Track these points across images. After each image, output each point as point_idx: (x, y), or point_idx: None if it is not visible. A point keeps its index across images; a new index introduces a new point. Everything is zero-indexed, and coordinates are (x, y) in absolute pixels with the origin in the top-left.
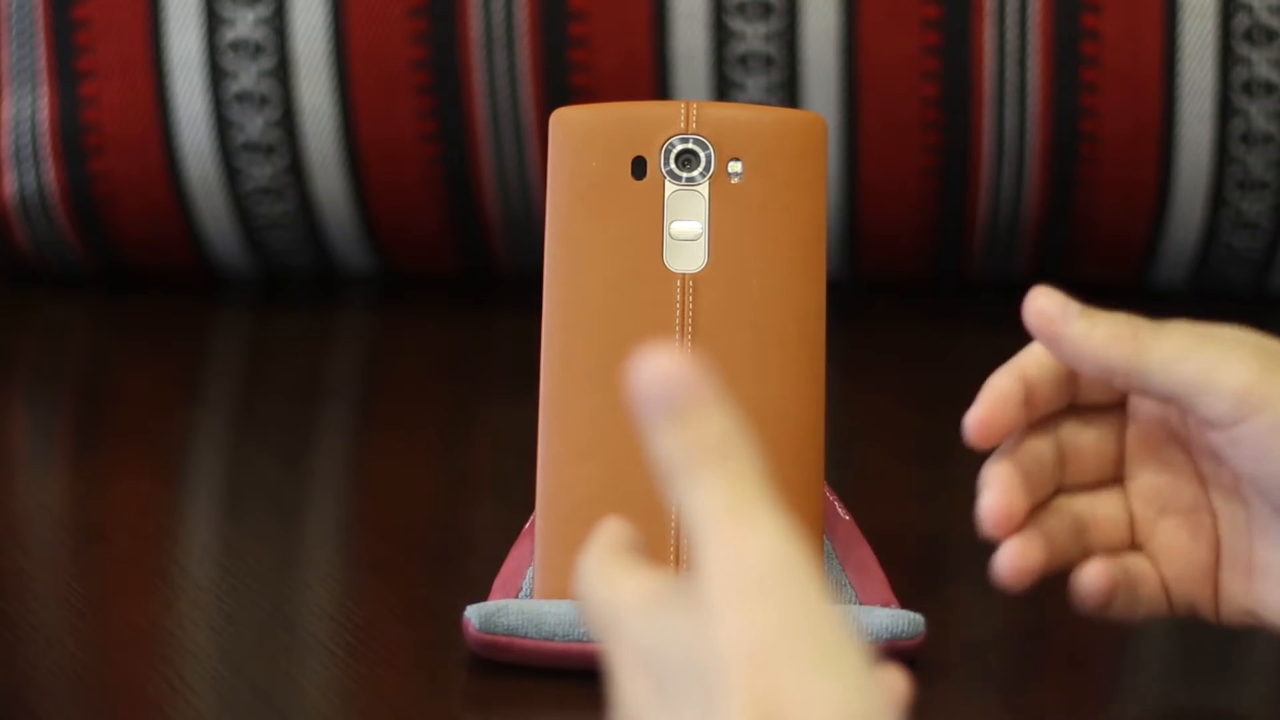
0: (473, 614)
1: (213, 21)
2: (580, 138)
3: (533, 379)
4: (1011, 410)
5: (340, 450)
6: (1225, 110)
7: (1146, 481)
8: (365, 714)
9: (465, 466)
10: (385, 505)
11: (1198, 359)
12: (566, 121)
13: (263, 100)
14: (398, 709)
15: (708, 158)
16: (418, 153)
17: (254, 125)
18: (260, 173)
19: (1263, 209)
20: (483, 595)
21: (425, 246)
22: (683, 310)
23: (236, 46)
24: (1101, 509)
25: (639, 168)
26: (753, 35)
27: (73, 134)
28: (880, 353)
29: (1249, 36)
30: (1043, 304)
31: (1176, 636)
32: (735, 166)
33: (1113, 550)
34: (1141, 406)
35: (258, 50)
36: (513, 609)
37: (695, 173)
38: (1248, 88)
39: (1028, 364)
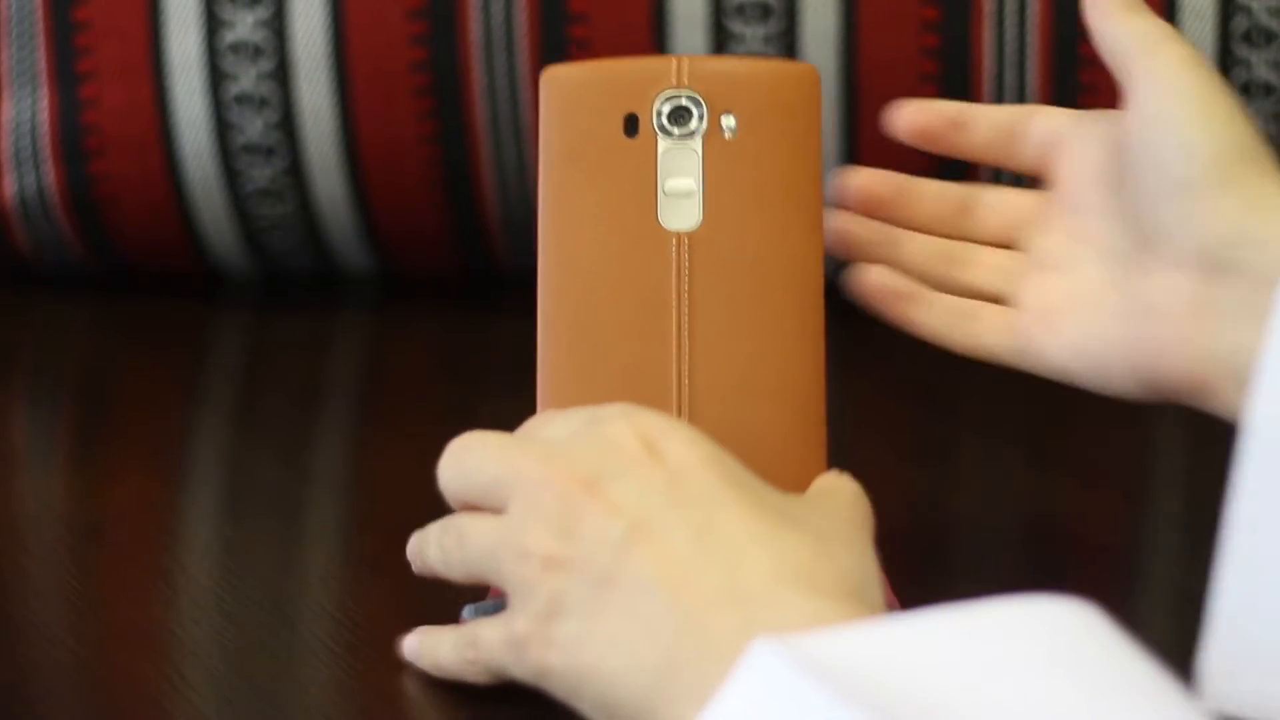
0: (470, 614)
1: (212, 24)
2: (571, 95)
3: (532, 379)
4: (938, 116)
5: (340, 450)
6: None
7: (1036, 243)
8: (365, 712)
9: None
10: (385, 504)
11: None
12: (556, 79)
13: (262, 102)
14: (397, 707)
15: (700, 113)
16: (417, 154)
17: (254, 127)
18: (260, 174)
19: None
20: (482, 595)
21: (425, 248)
22: (678, 268)
23: (236, 49)
24: (986, 257)
25: (631, 125)
26: (752, 37)
27: (73, 136)
28: (880, 352)
29: (1248, 38)
30: None
31: (1175, 631)
32: (728, 121)
33: (978, 292)
34: (1068, 165)
35: (257, 52)
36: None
37: (688, 129)
38: (1247, 89)
39: (979, 110)
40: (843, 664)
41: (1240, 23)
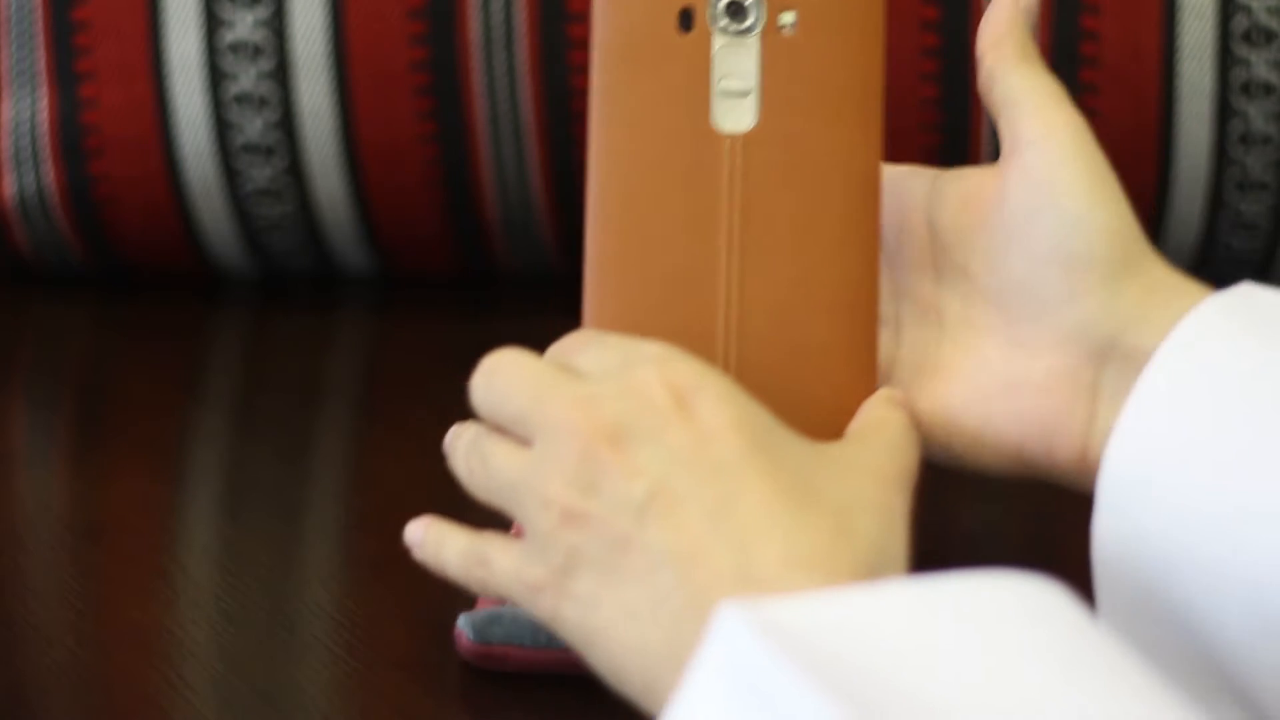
0: (465, 624)
1: (212, 23)
2: None
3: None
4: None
5: (340, 450)
6: (1224, 111)
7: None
8: (365, 713)
9: None
10: (385, 505)
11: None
12: None
13: (262, 102)
14: (397, 708)
15: (758, 8)
16: (417, 154)
17: (253, 127)
18: (260, 174)
19: (1262, 210)
20: (477, 599)
21: (425, 247)
22: (730, 171)
23: (236, 48)
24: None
25: (685, 20)
26: None
27: (72, 136)
28: None
29: (1248, 38)
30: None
31: None
32: (787, 18)
33: None
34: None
35: (257, 52)
36: (505, 617)
37: (745, 25)
38: (1246, 89)
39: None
40: (806, 630)
41: (1240, 22)
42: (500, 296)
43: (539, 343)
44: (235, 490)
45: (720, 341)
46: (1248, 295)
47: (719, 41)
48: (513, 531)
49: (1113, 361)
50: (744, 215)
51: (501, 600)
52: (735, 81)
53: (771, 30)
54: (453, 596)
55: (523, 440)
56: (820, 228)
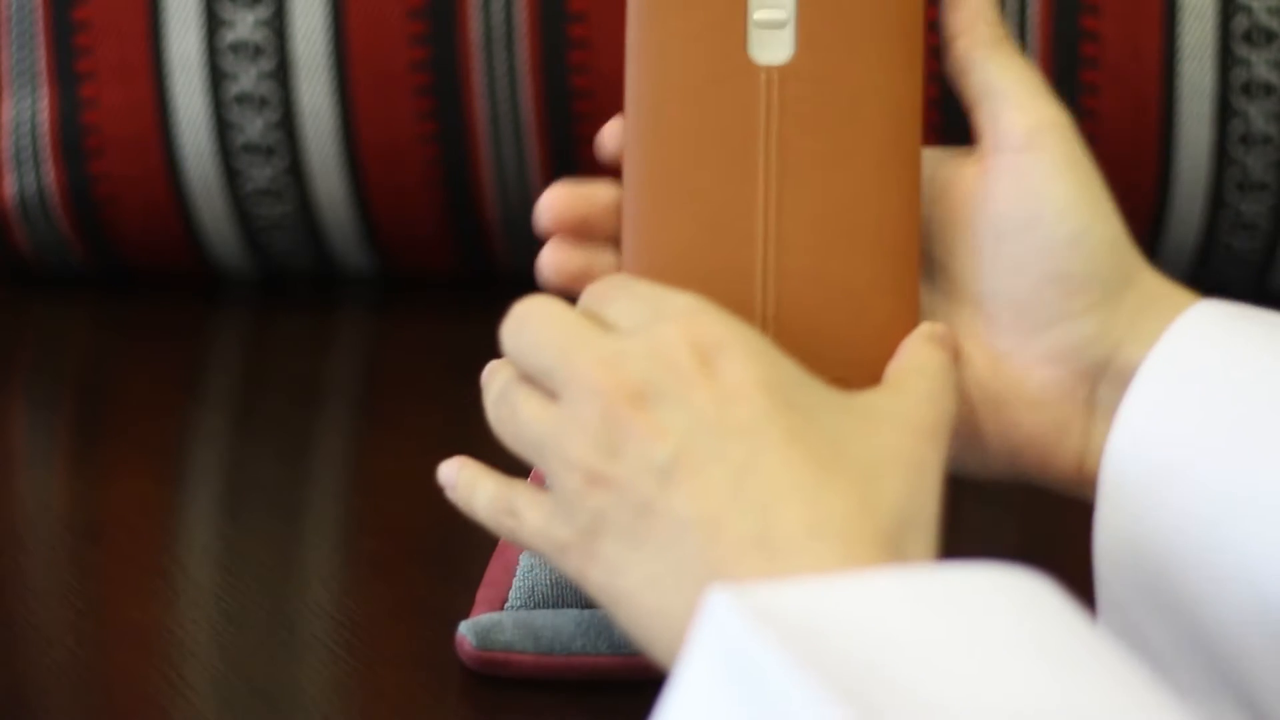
0: (467, 631)
1: (212, 23)
2: None
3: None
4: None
5: (340, 450)
6: (1224, 111)
7: None
8: (364, 713)
9: None
10: (385, 505)
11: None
12: None
13: (262, 102)
14: (397, 708)
15: None
16: (417, 154)
17: (254, 127)
18: (260, 174)
19: (1262, 210)
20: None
21: (425, 247)
22: (768, 105)
23: (236, 48)
24: None
25: None
26: None
27: (73, 135)
28: None
29: (1248, 38)
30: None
31: None
32: None
33: None
34: None
35: (258, 52)
36: (507, 624)
37: None
38: (1247, 89)
39: None
40: (793, 617)
41: (1240, 22)
42: (500, 297)
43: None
44: (235, 490)
45: (759, 280)
46: (1228, 305)
47: None
48: (530, 478)
49: (1108, 376)
50: (781, 150)
51: (501, 605)
52: (771, 12)
53: None
54: (453, 596)
55: (550, 392)
56: (859, 161)
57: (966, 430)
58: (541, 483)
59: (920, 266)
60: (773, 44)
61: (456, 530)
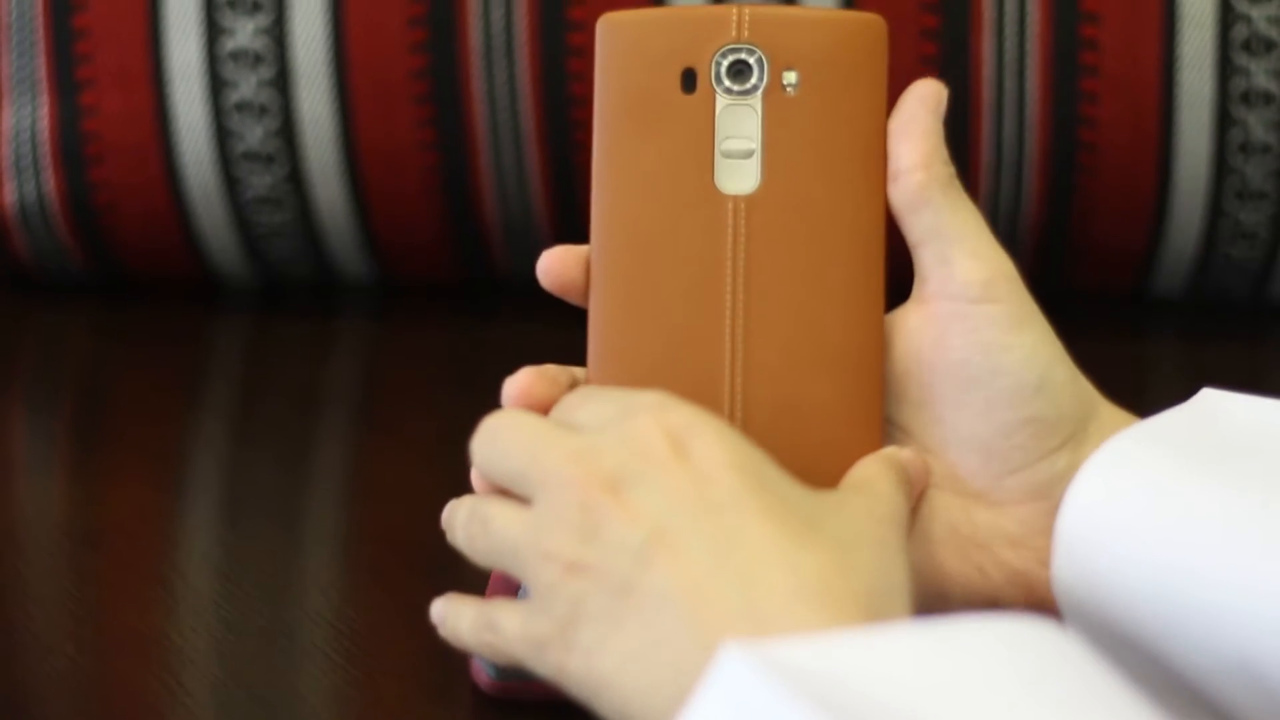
0: (484, 661)
1: (212, 31)
2: (628, 46)
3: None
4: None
5: (340, 457)
6: (1224, 120)
7: None
8: None
9: (465, 473)
10: (385, 512)
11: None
12: (614, 27)
13: (262, 109)
14: (396, 716)
15: (761, 69)
16: (417, 161)
17: (254, 134)
18: (260, 182)
19: (1261, 219)
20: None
21: (424, 255)
22: (735, 233)
23: (236, 56)
24: None
25: (688, 80)
26: None
27: (73, 143)
28: None
29: (1247, 47)
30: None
31: None
32: (790, 77)
33: None
34: None
35: (257, 60)
36: None
37: (748, 85)
38: (1246, 98)
39: None
40: (809, 670)
41: (1240, 31)
42: (500, 303)
43: (538, 349)
44: (235, 497)
45: (725, 402)
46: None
47: (722, 102)
48: (489, 586)
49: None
50: (748, 277)
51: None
52: (738, 142)
53: (774, 90)
54: None
55: (523, 500)
56: (824, 288)
57: (938, 580)
58: (501, 591)
59: (884, 389)
60: (739, 174)
61: None
